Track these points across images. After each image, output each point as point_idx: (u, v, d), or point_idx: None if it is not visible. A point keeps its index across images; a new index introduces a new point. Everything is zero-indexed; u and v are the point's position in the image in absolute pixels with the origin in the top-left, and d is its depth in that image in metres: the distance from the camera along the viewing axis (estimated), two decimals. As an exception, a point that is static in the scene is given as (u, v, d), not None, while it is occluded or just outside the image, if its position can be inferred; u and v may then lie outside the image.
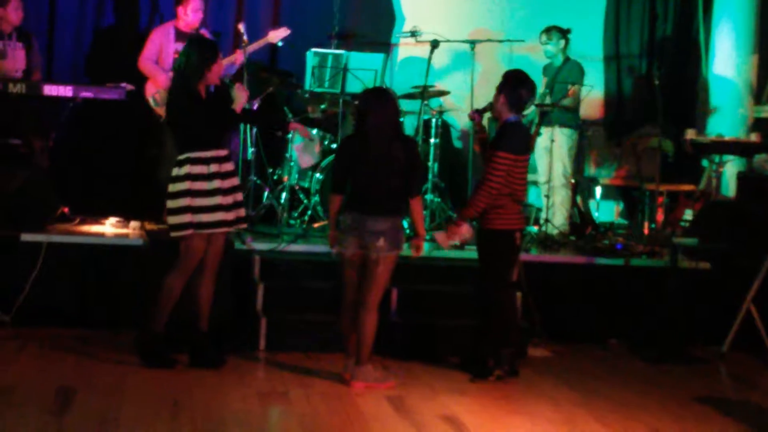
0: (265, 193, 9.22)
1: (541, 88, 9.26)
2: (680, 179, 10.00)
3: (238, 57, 8.46)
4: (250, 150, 8.93)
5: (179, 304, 6.77)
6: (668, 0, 10.98)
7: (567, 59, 9.51)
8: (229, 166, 6.74)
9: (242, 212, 6.84)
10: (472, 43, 9.45)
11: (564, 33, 9.51)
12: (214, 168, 6.61)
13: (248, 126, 8.76)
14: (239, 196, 6.83)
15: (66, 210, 8.46)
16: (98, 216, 8.64)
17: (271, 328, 7.43)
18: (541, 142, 9.26)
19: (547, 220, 9.23)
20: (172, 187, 6.63)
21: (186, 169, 6.58)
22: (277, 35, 8.99)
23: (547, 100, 9.24)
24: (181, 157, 6.62)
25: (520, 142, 6.94)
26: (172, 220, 6.64)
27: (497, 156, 6.79)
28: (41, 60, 9.04)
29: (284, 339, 7.41)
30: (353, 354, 6.67)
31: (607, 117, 10.31)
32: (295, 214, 9.16)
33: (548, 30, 9.51)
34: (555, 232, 9.18)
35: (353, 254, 6.60)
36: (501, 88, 6.97)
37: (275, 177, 9.32)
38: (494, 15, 10.65)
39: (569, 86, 9.18)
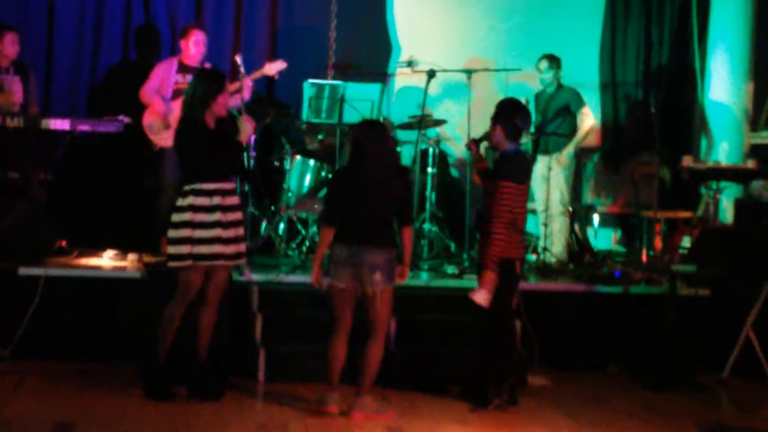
0: (263, 224, 9.22)
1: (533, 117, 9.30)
2: (678, 206, 10.00)
3: (245, 89, 8.43)
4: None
5: (179, 335, 6.75)
6: (663, 27, 11.01)
7: (560, 86, 9.54)
8: (233, 200, 6.72)
9: (242, 247, 6.81)
10: (469, 72, 9.48)
11: (559, 61, 9.56)
12: (216, 200, 6.59)
13: (246, 157, 8.75)
14: (240, 231, 6.79)
15: (64, 243, 8.45)
16: (96, 249, 8.64)
17: (270, 358, 7.42)
18: (539, 170, 9.27)
19: (545, 249, 9.23)
20: (175, 217, 6.62)
21: (189, 200, 6.57)
22: (273, 67, 9.01)
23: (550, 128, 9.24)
24: (186, 187, 6.61)
25: (522, 170, 6.96)
26: (172, 250, 6.63)
27: (502, 187, 6.78)
28: (39, 93, 9.06)
29: (283, 369, 7.39)
30: (337, 385, 6.62)
31: (603, 144, 10.33)
32: (293, 245, 9.15)
33: (550, 58, 9.52)
34: (553, 260, 9.18)
35: (347, 287, 6.53)
36: (496, 119, 6.97)
37: (273, 208, 9.32)
38: (490, 43, 10.66)
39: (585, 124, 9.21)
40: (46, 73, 9.69)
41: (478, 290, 6.79)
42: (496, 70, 10.03)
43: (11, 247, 7.86)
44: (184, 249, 6.57)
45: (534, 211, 9.55)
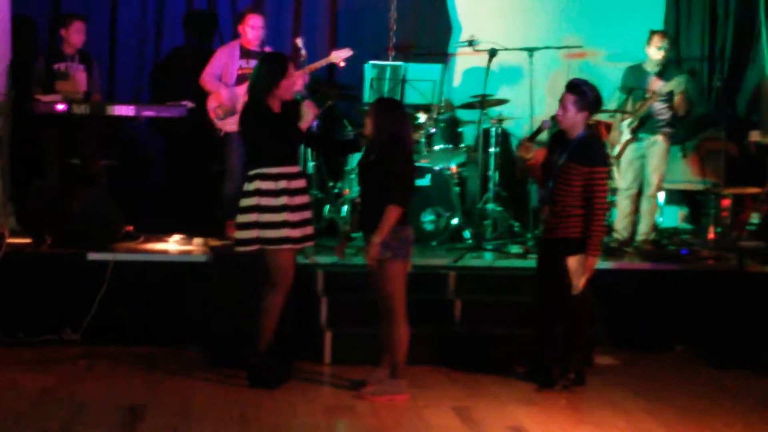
0: (326, 207, 9.24)
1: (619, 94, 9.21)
2: (745, 182, 9.83)
3: (304, 75, 8.46)
4: (311, 164, 8.96)
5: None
6: (729, 0, 10.82)
7: (668, 65, 9.26)
8: (299, 183, 6.69)
9: (309, 230, 6.77)
10: (531, 50, 9.39)
11: (670, 38, 9.38)
12: (282, 184, 6.57)
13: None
14: (308, 214, 6.76)
15: (130, 228, 8.54)
16: (162, 233, 8.72)
17: (335, 341, 7.45)
18: (635, 150, 9.16)
19: (612, 228, 9.15)
20: (242, 202, 6.63)
21: (255, 184, 6.56)
22: (339, 55, 8.94)
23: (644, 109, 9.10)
24: (252, 172, 6.61)
25: (605, 153, 6.91)
26: (240, 234, 6.65)
27: (600, 173, 6.71)
28: (102, 82, 9.14)
29: (349, 352, 7.41)
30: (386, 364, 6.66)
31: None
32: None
33: (663, 34, 9.26)
34: (640, 238, 9.12)
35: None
36: (576, 101, 6.81)
37: (336, 190, 9.33)
38: (551, 21, 10.55)
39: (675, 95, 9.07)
40: (110, 61, 9.79)
41: (577, 274, 6.74)
42: (558, 48, 9.92)
43: (80, 234, 7.95)
44: (252, 233, 6.57)
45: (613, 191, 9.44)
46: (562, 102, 6.85)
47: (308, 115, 6.72)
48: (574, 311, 6.87)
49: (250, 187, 6.60)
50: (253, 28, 8.75)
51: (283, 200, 6.57)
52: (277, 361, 6.84)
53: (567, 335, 6.91)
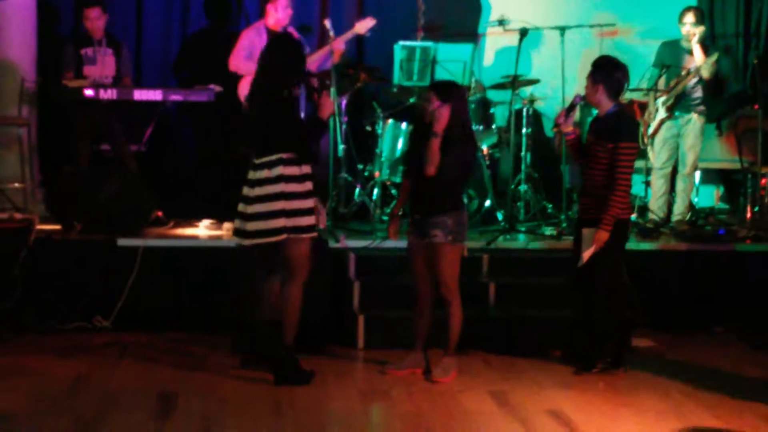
0: (357, 190, 9.16)
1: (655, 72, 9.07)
2: (783, 160, 9.68)
3: (336, 49, 8.37)
4: (341, 147, 8.86)
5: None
6: (764, -24, 10.65)
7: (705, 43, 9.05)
8: (309, 168, 6.42)
9: (314, 219, 6.50)
10: (562, 29, 9.23)
11: (704, 15, 9.26)
12: (306, 169, 6.35)
13: (338, 123, 8.67)
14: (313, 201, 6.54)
15: (160, 214, 8.49)
16: (192, 218, 8.67)
17: (368, 325, 7.38)
18: (668, 129, 9.01)
19: (647, 208, 9.02)
20: (263, 190, 6.27)
21: (279, 170, 6.25)
22: (364, 26, 8.84)
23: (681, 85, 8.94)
24: (272, 157, 6.26)
25: (636, 129, 6.79)
26: (265, 225, 6.27)
27: (625, 148, 6.58)
28: (131, 66, 9.08)
29: (382, 336, 7.34)
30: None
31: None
32: (388, 210, 9.07)
33: (697, 11, 9.07)
34: (676, 218, 9.02)
35: None
36: (596, 77, 6.72)
37: (366, 173, 9.24)
38: (582, -1, 10.44)
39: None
40: (137, 45, 9.74)
41: (587, 246, 6.64)
42: (590, 26, 9.77)
43: (109, 219, 7.91)
44: (279, 222, 6.25)
45: (642, 171, 9.31)
46: (586, 79, 6.80)
47: (327, 106, 6.47)
48: (610, 294, 6.75)
49: (272, 173, 6.26)
50: (284, 8, 8.63)
51: (309, 186, 6.36)
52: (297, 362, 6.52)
53: (603, 318, 6.80)
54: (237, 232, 6.50)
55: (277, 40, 6.81)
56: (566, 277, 7.20)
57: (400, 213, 6.85)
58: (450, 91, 6.52)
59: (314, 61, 8.71)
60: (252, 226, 6.32)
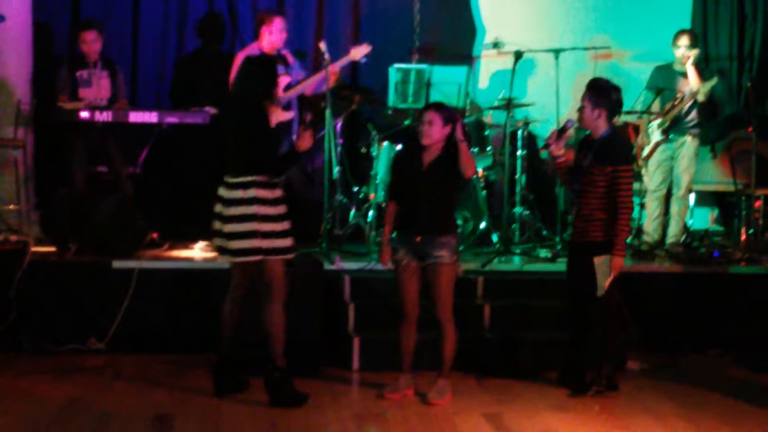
0: (352, 212, 9.16)
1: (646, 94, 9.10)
2: (778, 182, 9.70)
3: (331, 72, 8.38)
4: (336, 169, 8.88)
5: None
6: (757, -1, 10.70)
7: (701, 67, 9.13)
8: (280, 192, 6.44)
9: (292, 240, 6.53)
10: (556, 52, 9.28)
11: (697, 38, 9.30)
12: (278, 193, 6.39)
13: (333, 145, 8.69)
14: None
15: (155, 236, 8.49)
16: (187, 241, 8.66)
17: (363, 347, 7.39)
18: (665, 151, 9.04)
19: (642, 230, 9.03)
20: (236, 210, 6.31)
21: (253, 192, 6.29)
22: (359, 52, 8.86)
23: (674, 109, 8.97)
24: (246, 179, 6.30)
25: (631, 151, 6.80)
26: (238, 244, 6.33)
27: (624, 171, 6.61)
28: (126, 88, 9.09)
29: (377, 358, 7.34)
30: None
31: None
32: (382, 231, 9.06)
33: (691, 34, 9.11)
34: (670, 240, 9.03)
35: None
36: (599, 101, 6.72)
37: (361, 195, 9.25)
38: (576, 22, 10.44)
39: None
40: (133, 67, 9.74)
41: (604, 275, 6.63)
42: (585, 49, 9.81)
43: (105, 242, 7.91)
44: (254, 243, 6.29)
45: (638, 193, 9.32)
46: (581, 101, 6.80)
47: (307, 141, 6.48)
48: (605, 316, 6.75)
49: (247, 194, 6.30)
50: (279, 31, 8.64)
51: (282, 209, 6.40)
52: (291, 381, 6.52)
53: (599, 340, 6.80)
54: (220, 250, 6.54)
55: (248, 61, 6.75)
56: (561, 300, 7.20)
57: (390, 238, 6.77)
58: (447, 112, 6.60)
59: (309, 84, 8.73)
60: (232, 245, 6.37)
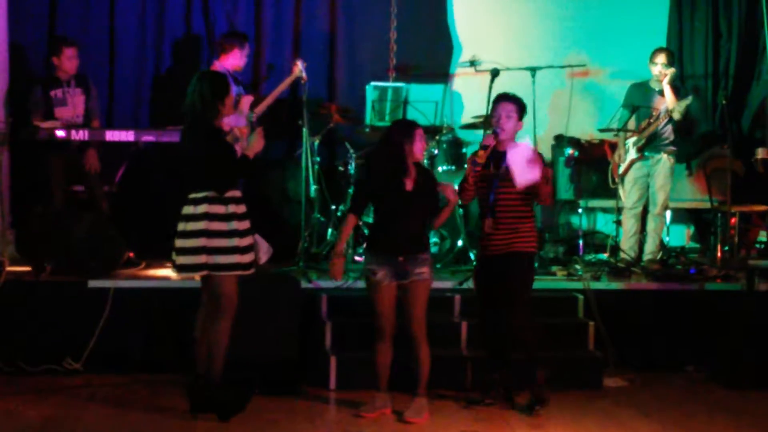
0: (329, 230, 9.15)
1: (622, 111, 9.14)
2: (753, 200, 9.74)
3: (243, 102, 8.41)
4: (313, 187, 8.88)
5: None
6: (732, 17, 10.74)
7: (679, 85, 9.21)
8: (243, 208, 6.46)
9: (253, 257, 6.56)
10: (533, 70, 9.31)
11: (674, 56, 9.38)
12: (232, 208, 6.39)
13: (310, 164, 8.70)
14: (251, 240, 6.57)
15: (132, 255, 8.46)
16: (163, 260, 8.62)
17: (340, 366, 7.37)
18: (641, 168, 9.09)
19: (618, 247, 9.05)
20: (186, 226, 6.36)
21: (203, 208, 6.32)
22: (300, 68, 8.89)
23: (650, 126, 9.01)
24: (198, 195, 6.35)
25: None
26: (184, 260, 6.39)
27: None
28: (100, 105, 9.07)
29: (354, 377, 7.32)
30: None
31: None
32: (360, 251, 9.06)
33: (669, 52, 9.20)
34: (647, 257, 9.07)
35: None
36: (520, 114, 6.85)
37: (339, 213, 9.25)
38: (553, 40, 10.49)
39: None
40: (109, 86, 9.72)
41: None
42: (561, 67, 9.85)
43: (80, 261, 7.88)
44: (200, 259, 6.32)
45: (610, 210, 9.35)
46: (504, 112, 6.78)
47: (255, 145, 6.51)
48: (525, 332, 6.75)
49: (197, 210, 6.34)
50: (244, 56, 8.73)
51: (234, 225, 6.38)
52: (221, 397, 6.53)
53: (530, 343, 6.80)
54: (173, 265, 6.59)
55: (200, 75, 6.71)
56: (541, 316, 7.19)
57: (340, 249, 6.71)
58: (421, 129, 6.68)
59: (274, 97, 8.85)
60: (178, 260, 6.42)
